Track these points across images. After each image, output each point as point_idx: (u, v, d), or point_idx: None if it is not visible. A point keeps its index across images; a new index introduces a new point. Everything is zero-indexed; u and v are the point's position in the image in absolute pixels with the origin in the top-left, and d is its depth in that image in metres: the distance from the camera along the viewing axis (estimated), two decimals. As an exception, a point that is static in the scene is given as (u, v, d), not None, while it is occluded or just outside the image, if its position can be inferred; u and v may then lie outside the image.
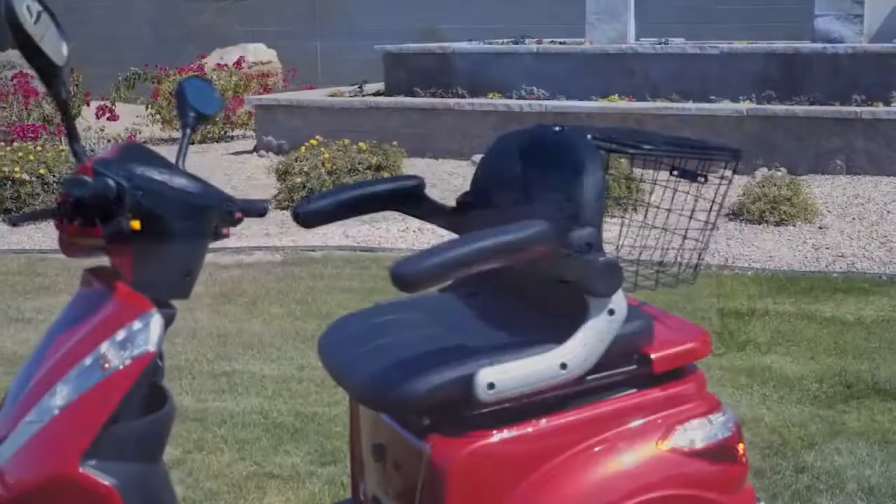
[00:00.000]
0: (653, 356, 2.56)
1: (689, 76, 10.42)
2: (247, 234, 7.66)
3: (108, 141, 10.34)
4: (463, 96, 11.06)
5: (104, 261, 2.43)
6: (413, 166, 9.65)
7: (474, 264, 2.27)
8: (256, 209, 2.66)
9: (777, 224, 7.44)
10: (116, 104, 11.57)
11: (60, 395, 2.27)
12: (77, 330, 2.33)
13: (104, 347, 2.28)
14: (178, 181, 2.37)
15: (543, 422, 2.47)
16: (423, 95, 11.25)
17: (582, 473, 2.48)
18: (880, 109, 9.06)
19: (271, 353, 5.17)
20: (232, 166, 10.37)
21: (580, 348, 2.44)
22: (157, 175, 2.34)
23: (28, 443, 2.26)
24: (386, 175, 8.29)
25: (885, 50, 9.76)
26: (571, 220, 2.45)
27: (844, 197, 8.22)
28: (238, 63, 12.87)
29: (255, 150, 11.10)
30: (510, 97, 10.86)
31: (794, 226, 7.45)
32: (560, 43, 11.89)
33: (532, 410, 2.48)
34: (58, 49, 2.22)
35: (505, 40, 12.43)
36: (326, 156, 8.32)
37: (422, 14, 15.34)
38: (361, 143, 8.63)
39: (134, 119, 12.15)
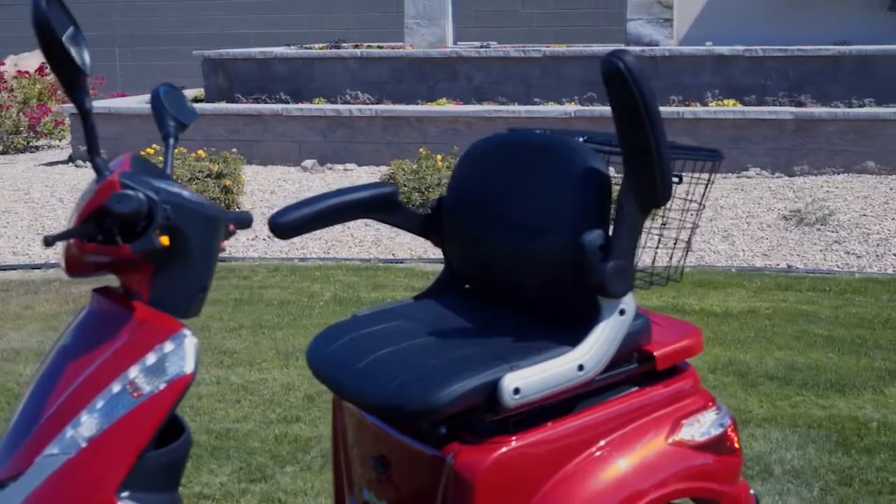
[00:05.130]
0: (655, 354, 2.61)
1: (512, 79, 10.64)
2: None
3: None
4: (287, 101, 10.96)
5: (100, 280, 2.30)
6: (245, 173, 9.46)
7: None
8: (245, 221, 2.58)
9: (622, 222, 7.64)
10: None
11: (87, 426, 2.13)
12: (95, 354, 2.19)
13: (133, 373, 2.16)
14: (187, 193, 2.26)
15: (560, 423, 2.48)
16: (245, 101, 11.08)
17: (600, 473, 2.49)
18: (700, 109, 9.47)
19: (158, 371, 4.96)
20: (50, 178, 9.90)
21: (595, 349, 2.46)
22: (171, 188, 2.23)
23: (53, 477, 2.11)
24: (228, 182, 8.12)
25: (698, 52, 10.23)
26: (583, 224, 2.48)
27: (675, 193, 8.53)
28: (41, 70, 12.32)
29: (72, 160, 10.67)
30: (335, 102, 10.82)
31: (639, 223, 7.67)
32: (379, 47, 11.91)
33: (546, 412, 2.49)
34: (83, 57, 2.08)
35: (321, 45, 12.37)
36: (165, 164, 8.07)
37: (227, 19, 15.08)
38: (200, 151, 8.42)
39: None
